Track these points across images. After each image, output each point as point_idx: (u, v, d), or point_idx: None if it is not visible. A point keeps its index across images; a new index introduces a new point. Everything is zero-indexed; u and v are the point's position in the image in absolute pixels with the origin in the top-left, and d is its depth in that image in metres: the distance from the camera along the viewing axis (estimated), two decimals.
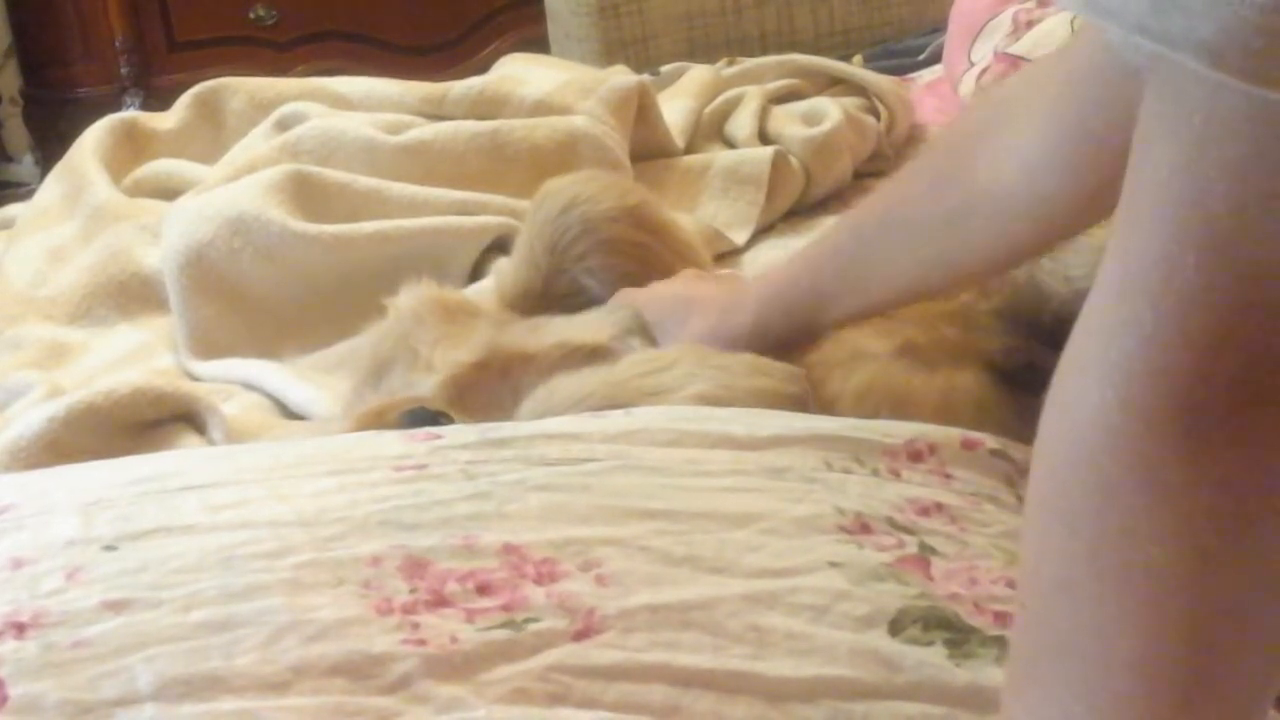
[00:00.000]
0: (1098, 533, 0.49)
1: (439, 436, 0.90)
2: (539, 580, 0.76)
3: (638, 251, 1.22)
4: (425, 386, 1.12)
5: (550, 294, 1.21)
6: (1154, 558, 0.48)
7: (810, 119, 1.74)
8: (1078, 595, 0.49)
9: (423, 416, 1.01)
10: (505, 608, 0.74)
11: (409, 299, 1.19)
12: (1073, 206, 0.85)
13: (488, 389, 1.12)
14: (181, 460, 0.92)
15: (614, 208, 1.21)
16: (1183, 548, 0.47)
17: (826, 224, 1.63)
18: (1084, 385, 0.49)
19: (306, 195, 1.48)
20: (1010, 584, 0.79)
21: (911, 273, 1.00)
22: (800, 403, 1.01)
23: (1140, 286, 0.47)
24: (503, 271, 1.27)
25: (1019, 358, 1.11)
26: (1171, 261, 0.46)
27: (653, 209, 1.26)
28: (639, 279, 1.21)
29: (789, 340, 1.07)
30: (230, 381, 1.36)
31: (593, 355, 1.12)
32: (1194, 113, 0.45)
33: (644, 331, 1.13)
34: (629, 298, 1.16)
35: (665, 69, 1.96)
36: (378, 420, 1.02)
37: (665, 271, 1.23)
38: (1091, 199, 0.82)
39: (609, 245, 1.20)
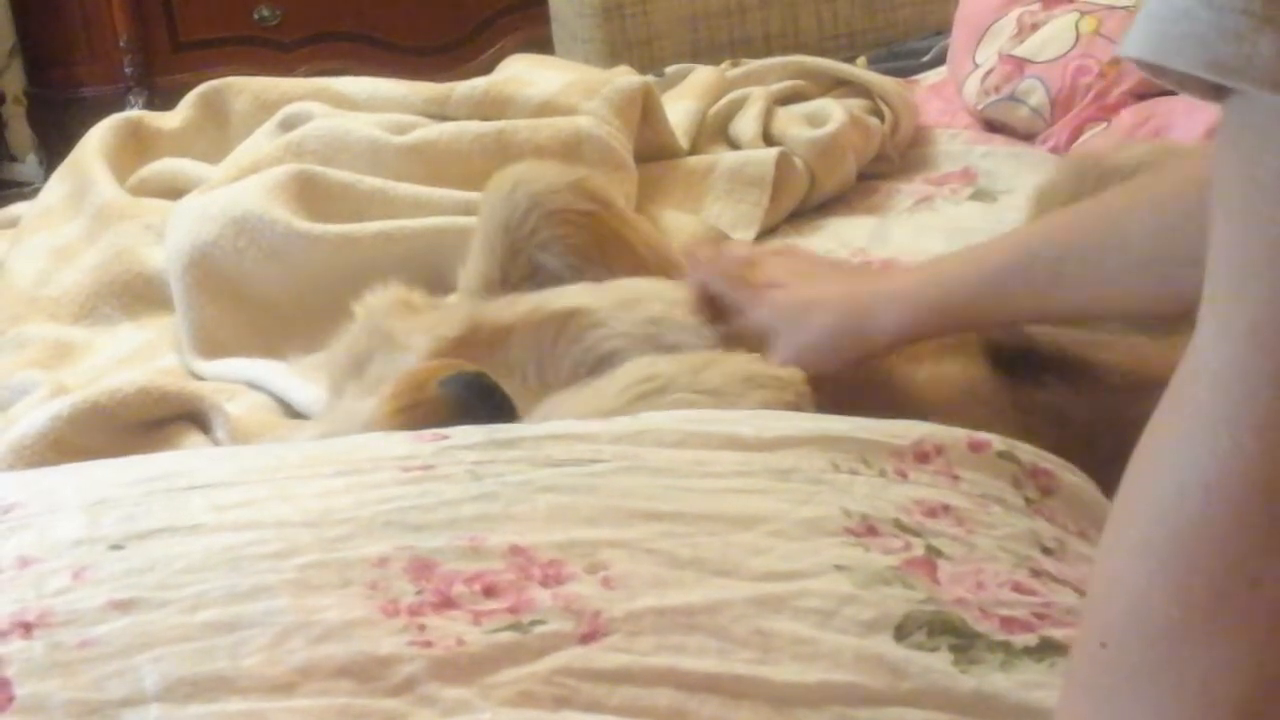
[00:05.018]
0: (1221, 577, 0.49)
1: (445, 437, 0.90)
2: (545, 582, 0.76)
3: (585, 220, 1.24)
4: (408, 362, 1.12)
5: (509, 279, 1.23)
6: (1276, 597, 0.48)
7: (814, 120, 1.74)
8: (1189, 638, 0.50)
9: (465, 379, 1.01)
10: (512, 610, 0.74)
11: (377, 298, 1.21)
12: None
13: (474, 362, 1.13)
14: (187, 460, 0.92)
15: (557, 181, 1.24)
16: None
17: (830, 225, 1.64)
18: (1212, 436, 0.49)
19: (311, 195, 1.48)
20: (1017, 588, 0.79)
21: (1132, 288, 0.97)
22: (796, 408, 1.01)
23: (1274, 335, 0.47)
24: (463, 269, 1.28)
25: (1017, 344, 1.12)
26: None
27: (597, 183, 1.29)
28: (590, 249, 1.23)
29: (931, 335, 1.07)
30: (234, 381, 1.36)
31: (570, 318, 1.12)
32: None
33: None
34: (753, 305, 1.13)
35: (670, 70, 1.96)
36: (418, 392, 1.02)
37: (614, 240, 1.24)
38: None
39: (557, 217, 1.23)
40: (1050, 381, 1.09)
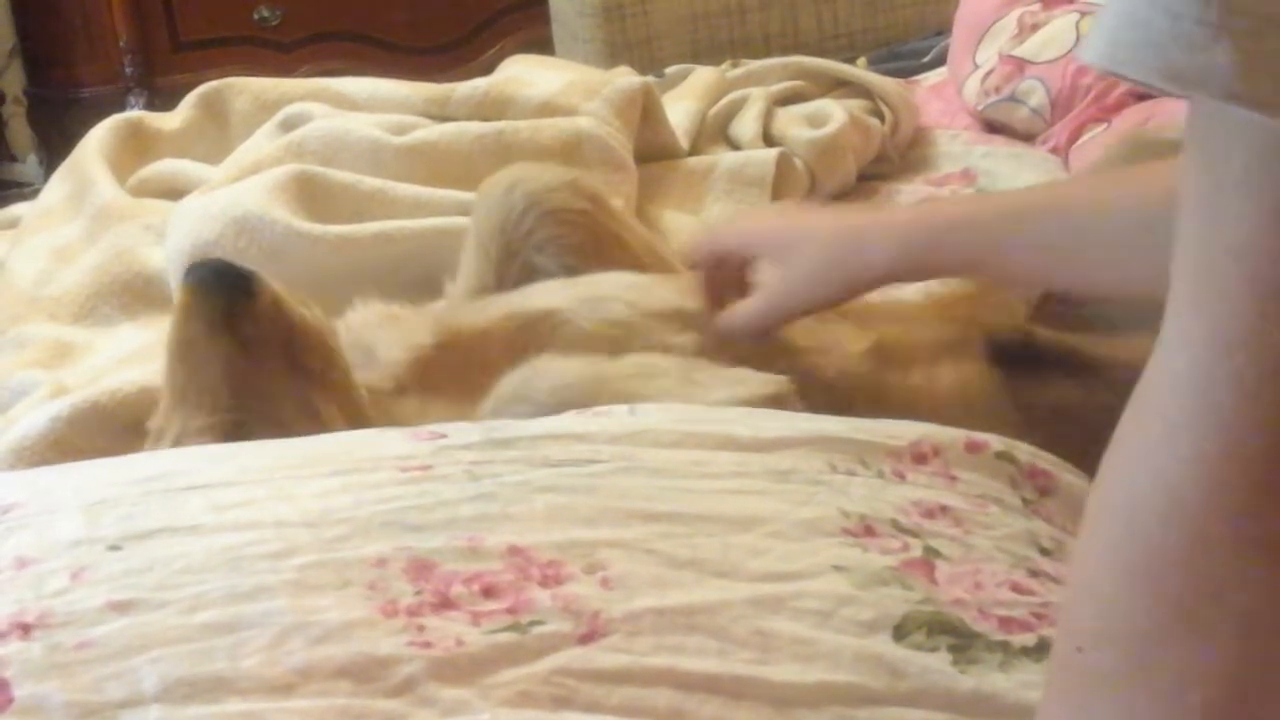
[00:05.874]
0: (1188, 584, 0.49)
1: (443, 436, 0.90)
2: (544, 583, 0.76)
3: (583, 219, 1.24)
4: (384, 371, 1.13)
5: (504, 284, 1.23)
6: (1244, 606, 0.48)
7: (815, 121, 1.74)
8: (1160, 644, 0.50)
9: (207, 265, 1.06)
10: (510, 610, 0.74)
11: (358, 314, 1.21)
12: None
13: (453, 369, 1.12)
14: (186, 459, 0.92)
15: (554, 180, 1.24)
16: (1273, 594, 0.48)
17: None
18: (1175, 441, 0.49)
19: (311, 195, 1.48)
20: (1016, 588, 0.79)
21: (1135, 272, 0.95)
22: (778, 403, 1.01)
23: (1237, 343, 0.47)
24: (451, 281, 1.28)
25: (1015, 338, 1.13)
26: (1269, 314, 0.46)
27: (593, 183, 1.29)
28: (587, 248, 1.22)
29: (924, 272, 1.05)
30: None
31: (543, 320, 1.12)
32: (1275, 165, 0.45)
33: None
34: (745, 241, 1.12)
35: (670, 70, 1.96)
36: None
37: (611, 240, 1.24)
38: None
39: (555, 216, 1.22)
40: (1054, 379, 1.10)
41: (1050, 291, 1.13)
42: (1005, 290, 1.11)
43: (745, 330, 1.08)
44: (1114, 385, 1.07)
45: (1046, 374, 1.11)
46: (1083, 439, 0.99)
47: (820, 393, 1.06)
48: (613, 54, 2.22)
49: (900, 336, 1.15)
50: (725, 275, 1.12)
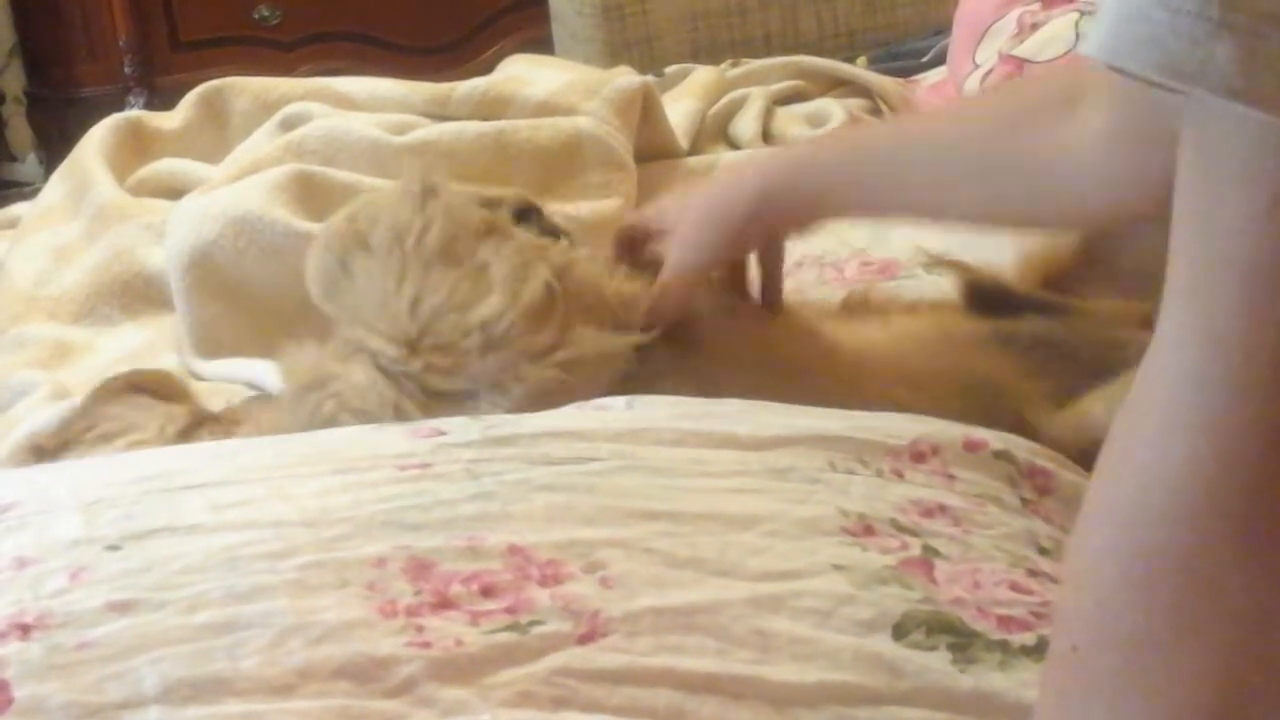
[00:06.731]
0: (1183, 584, 0.49)
1: (442, 433, 0.90)
2: (543, 582, 0.76)
3: None
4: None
5: None
6: (1238, 606, 0.48)
7: (814, 120, 1.74)
8: (1155, 645, 0.50)
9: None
10: (510, 610, 0.74)
11: None
12: (1138, 191, 0.84)
13: None
14: (184, 458, 0.92)
15: None
16: (1267, 593, 0.48)
17: (830, 225, 1.64)
18: (1169, 441, 0.49)
19: (311, 195, 1.48)
20: (1015, 588, 0.79)
21: (961, 199, 1.01)
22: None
23: (1231, 340, 0.47)
24: None
25: (995, 288, 1.16)
26: (1262, 313, 0.46)
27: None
28: None
29: (786, 212, 1.09)
30: (234, 381, 1.36)
31: None
32: (1271, 161, 0.45)
33: None
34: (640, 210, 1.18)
35: (669, 70, 1.96)
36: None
37: None
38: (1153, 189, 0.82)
39: None
40: (1031, 317, 1.13)
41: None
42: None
43: (652, 311, 1.09)
44: (1087, 318, 1.10)
45: (1023, 314, 1.13)
46: (1061, 359, 1.02)
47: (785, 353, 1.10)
48: (612, 53, 2.22)
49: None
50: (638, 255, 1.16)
